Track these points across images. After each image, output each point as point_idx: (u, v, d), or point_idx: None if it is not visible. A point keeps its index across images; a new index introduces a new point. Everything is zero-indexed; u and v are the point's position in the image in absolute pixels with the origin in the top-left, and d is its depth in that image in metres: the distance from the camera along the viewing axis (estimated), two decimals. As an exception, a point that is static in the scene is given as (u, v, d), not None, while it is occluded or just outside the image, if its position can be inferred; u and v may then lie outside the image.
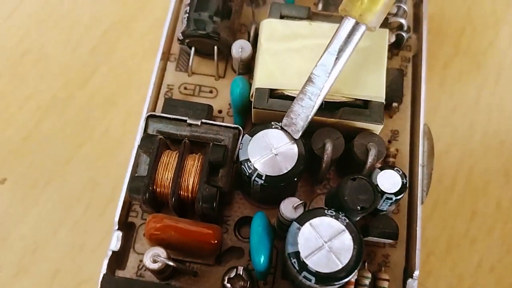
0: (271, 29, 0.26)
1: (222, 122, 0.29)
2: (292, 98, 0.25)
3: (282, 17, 0.27)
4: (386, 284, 0.24)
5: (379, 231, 0.24)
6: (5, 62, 0.32)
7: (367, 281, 0.24)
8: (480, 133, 0.31)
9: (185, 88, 0.30)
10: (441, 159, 0.30)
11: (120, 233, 0.25)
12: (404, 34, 0.29)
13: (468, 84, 0.32)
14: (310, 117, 0.23)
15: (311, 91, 0.24)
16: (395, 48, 0.30)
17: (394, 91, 0.28)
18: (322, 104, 0.25)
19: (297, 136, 0.23)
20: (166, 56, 0.30)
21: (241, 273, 0.24)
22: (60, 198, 0.29)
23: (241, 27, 0.31)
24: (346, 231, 0.21)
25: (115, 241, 0.25)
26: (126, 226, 0.26)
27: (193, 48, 0.29)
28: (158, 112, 0.28)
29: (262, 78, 0.25)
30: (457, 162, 0.30)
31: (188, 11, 0.28)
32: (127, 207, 0.26)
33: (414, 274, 0.24)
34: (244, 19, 0.31)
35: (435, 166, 0.27)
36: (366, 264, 0.25)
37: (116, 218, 0.25)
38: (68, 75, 0.32)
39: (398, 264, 0.26)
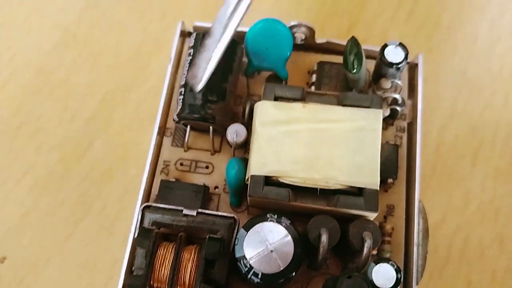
0: (266, 112, 0.27)
1: (218, 199, 0.29)
2: (287, 186, 0.25)
3: (276, 98, 0.27)
4: None
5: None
6: (1, 135, 0.33)
7: None
8: (475, 201, 0.31)
9: (181, 164, 0.30)
10: (436, 229, 0.30)
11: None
12: (398, 108, 0.29)
13: (463, 150, 0.32)
14: (209, 70, 0.25)
15: (209, 43, 0.25)
16: (390, 118, 0.30)
17: (389, 168, 0.28)
18: (317, 191, 0.25)
19: (198, 87, 0.25)
20: (162, 131, 0.30)
21: None
22: (59, 277, 0.29)
23: (236, 99, 0.31)
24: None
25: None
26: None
27: (188, 126, 0.29)
28: (154, 194, 0.28)
29: (257, 166, 0.25)
30: (452, 232, 0.30)
31: (183, 93, 0.28)
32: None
33: None
34: (239, 90, 0.31)
35: (431, 236, 0.28)
36: None
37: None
38: (65, 148, 0.32)
39: None
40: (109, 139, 0.32)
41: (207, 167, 0.30)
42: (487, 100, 0.33)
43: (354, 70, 0.27)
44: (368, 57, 0.31)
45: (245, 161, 0.28)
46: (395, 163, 0.28)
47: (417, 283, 0.26)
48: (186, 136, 0.29)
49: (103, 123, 0.33)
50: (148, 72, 0.34)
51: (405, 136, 0.31)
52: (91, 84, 0.34)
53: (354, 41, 0.28)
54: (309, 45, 0.32)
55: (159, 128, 0.30)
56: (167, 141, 0.30)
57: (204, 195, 0.27)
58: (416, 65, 0.31)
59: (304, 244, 0.24)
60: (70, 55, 0.35)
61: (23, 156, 0.32)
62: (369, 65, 0.31)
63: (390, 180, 0.28)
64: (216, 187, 0.29)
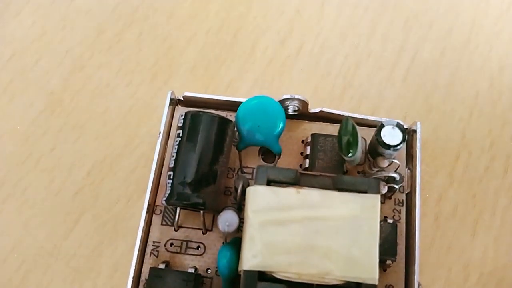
0: (258, 198, 0.25)
1: (211, 283, 0.28)
2: (282, 281, 0.24)
3: (269, 182, 0.26)
4: None
5: None
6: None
7: None
8: (476, 273, 0.30)
9: (171, 245, 0.29)
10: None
11: None
12: (396, 186, 0.28)
13: (463, 219, 0.31)
14: None
15: None
16: (387, 192, 0.29)
17: (387, 249, 0.27)
18: (313, 286, 0.24)
19: None
20: (151, 209, 0.29)
21: None
22: None
23: (229, 172, 0.30)
24: None
25: None
26: None
27: (178, 208, 0.28)
28: (143, 281, 0.27)
29: (250, 259, 0.24)
30: (453, 309, 0.29)
31: (171, 177, 0.27)
32: None
33: None
34: (231, 163, 0.30)
35: None
36: None
37: None
38: (52, 224, 0.31)
39: None
40: (97, 214, 0.31)
41: (198, 248, 0.29)
42: (487, 164, 0.32)
43: (350, 154, 0.26)
44: (363, 125, 0.31)
45: (237, 244, 0.27)
46: (394, 243, 0.27)
47: None
48: (176, 216, 0.28)
49: (90, 196, 0.32)
50: (138, 140, 0.33)
51: (403, 209, 0.30)
52: (78, 153, 0.33)
53: (348, 124, 0.27)
54: (302, 115, 0.31)
55: (148, 205, 0.29)
56: (156, 219, 0.29)
57: (195, 284, 0.26)
58: (414, 131, 0.31)
59: None
60: (56, 122, 0.34)
61: (9, 232, 0.31)
62: (365, 133, 0.31)
63: (389, 261, 0.27)
64: (208, 269, 0.28)
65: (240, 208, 0.29)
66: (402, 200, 0.30)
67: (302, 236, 0.25)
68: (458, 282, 0.30)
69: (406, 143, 0.31)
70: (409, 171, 0.30)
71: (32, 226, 0.31)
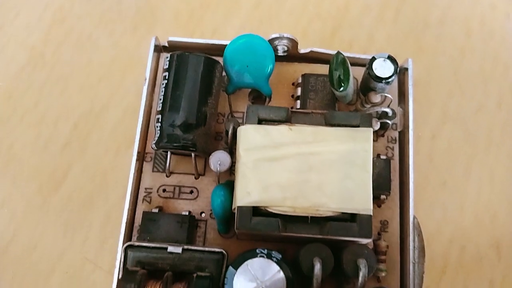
0: (249, 137, 0.25)
1: (206, 226, 0.28)
2: (276, 215, 0.24)
3: (260, 121, 0.26)
4: None
5: None
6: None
7: None
8: (471, 208, 0.30)
9: (164, 191, 0.28)
10: (433, 239, 0.29)
11: None
12: (389, 121, 0.28)
13: (457, 156, 0.31)
14: None
15: None
16: (380, 129, 0.29)
17: (381, 184, 0.27)
18: (308, 218, 0.24)
19: None
20: (141, 156, 0.29)
21: None
22: (44, 317, 0.28)
23: (219, 117, 0.30)
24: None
25: None
26: None
27: (169, 152, 0.27)
28: (137, 226, 0.27)
29: (243, 196, 0.24)
30: (448, 241, 0.30)
31: (160, 120, 0.26)
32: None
33: None
34: (220, 107, 0.29)
35: (427, 248, 0.27)
36: None
37: None
38: (41, 178, 0.30)
39: None
40: (86, 166, 0.31)
41: (191, 192, 0.28)
42: (480, 102, 0.32)
43: (341, 88, 0.26)
44: (354, 64, 0.30)
45: (230, 186, 0.26)
46: (388, 178, 0.27)
47: (415, 305, 0.25)
48: (167, 162, 0.28)
49: (78, 149, 0.31)
50: (123, 90, 0.32)
51: (396, 146, 0.30)
52: (63, 107, 0.32)
53: (339, 57, 0.26)
54: (292, 56, 0.30)
55: (138, 153, 0.28)
56: (147, 166, 0.29)
57: (189, 225, 0.26)
58: (406, 69, 0.30)
59: (297, 273, 0.23)
60: (39, 76, 0.32)
61: (-2, 189, 0.30)
62: (356, 72, 0.30)
63: (383, 196, 0.27)
64: (202, 213, 0.28)
65: (231, 152, 0.29)
66: (395, 137, 0.30)
67: (295, 172, 0.24)
68: (454, 218, 0.30)
69: (398, 82, 0.31)
70: (401, 109, 0.30)
71: (21, 181, 0.30)
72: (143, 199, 0.28)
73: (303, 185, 0.24)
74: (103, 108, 0.32)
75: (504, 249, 0.29)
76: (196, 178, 0.28)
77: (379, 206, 0.28)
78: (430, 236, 0.29)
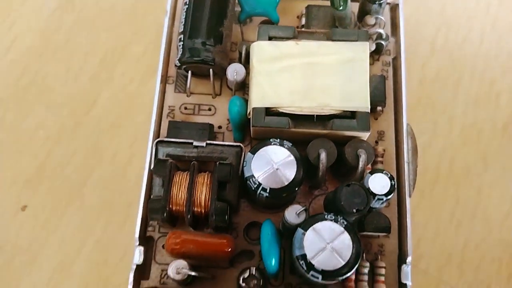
0: (261, 51, 0.29)
1: (223, 137, 0.32)
2: (286, 115, 0.28)
3: (270, 38, 0.29)
4: (383, 271, 0.28)
5: (373, 226, 0.27)
6: (10, 96, 0.34)
7: (366, 270, 0.27)
8: (458, 125, 0.34)
9: (186, 108, 0.32)
10: (424, 153, 0.33)
11: (141, 248, 0.27)
12: (383, 42, 0.31)
13: (445, 81, 0.35)
14: None
15: None
16: (375, 54, 0.33)
17: (377, 96, 0.30)
18: (313, 117, 0.28)
19: None
20: (164, 79, 0.32)
21: (254, 273, 0.27)
22: (79, 219, 0.31)
23: (232, 46, 0.33)
24: (345, 232, 0.24)
25: (137, 255, 0.27)
26: (145, 240, 0.29)
27: (189, 72, 0.31)
28: (163, 135, 0.30)
29: (258, 99, 0.28)
30: (439, 154, 0.33)
31: (182, 39, 0.30)
32: (144, 224, 0.29)
33: (407, 260, 0.27)
34: (233, 38, 0.33)
35: (420, 159, 0.30)
36: (364, 254, 0.28)
37: (137, 235, 0.28)
38: (72, 104, 0.34)
39: (393, 252, 0.29)
40: (113, 93, 0.34)
41: (209, 109, 0.32)
42: (465, 35, 0.36)
43: (341, 7, 0.29)
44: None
45: (245, 100, 0.30)
46: (383, 91, 0.31)
47: (409, 196, 0.29)
48: (188, 82, 0.31)
49: (106, 79, 0.35)
50: (145, 28, 0.36)
51: (390, 69, 0.33)
52: (91, 44, 0.35)
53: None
54: (297, -10, 0.34)
55: (162, 76, 0.32)
56: (170, 88, 0.32)
57: (210, 132, 0.29)
58: (397, 5, 0.34)
59: (305, 167, 0.27)
60: (68, 18, 0.36)
61: (34, 114, 0.34)
62: (354, 8, 0.34)
63: (379, 108, 0.31)
64: (219, 127, 0.32)
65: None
66: (389, 62, 0.33)
67: (302, 78, 0.28)
68: (443, 134, 0.34)
69: (391, 17, 0.34)
70: (393, 39, 0.33)
71: (55, 108, 0.34)
72: (167, 115, 0.32)
73: (309, 89, 0.28)
74: (127, 44, 0.36)
75: (490, 161, 0.33)
76: (213, 98, 0.32)
77: (376, 119, 0.32)
78: (422, 149, 0.33)
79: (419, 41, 0.36)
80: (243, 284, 0.27)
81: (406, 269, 0.27)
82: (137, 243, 0.28)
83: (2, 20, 0.36)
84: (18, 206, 0.31)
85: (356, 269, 0.27)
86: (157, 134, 0.31)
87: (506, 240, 0.31)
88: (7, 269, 0.30)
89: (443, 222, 0.32)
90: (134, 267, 0.27)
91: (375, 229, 0.27)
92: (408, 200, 0.29)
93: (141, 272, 0.28)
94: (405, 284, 0.27)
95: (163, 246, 0.28)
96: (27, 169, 0.32)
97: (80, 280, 0.30)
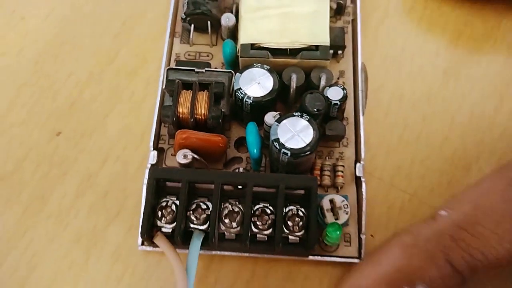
0: (248, 4, 0.38)
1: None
2: (266, 49, 0.36)
3: (254, -4, 0.39)
4: (341, 168, 0.36)
5: (332, 132, 0.35)
6: (48, 52, 0.43)
7: (328, 168, 0.35)
8: (406, 71, 0.42)
9: (189, 55, 0.41)
10: (378, 92, 0.41)
11: (155, 152, 0.35)
12: (341, 1, 0.41)
13: (396, 39, 0.43)
14: None
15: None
16: (337, 14, 0.42)
17: (338, 43, 0.39)
18: (287, 50, 0.36)
19: None
20: (172, 34, 0.41)
21: (241, 170, 0.35)
22: (104, 141, 0.39)
23: (225, 10, 0.42)
24: (308, 124, 0.32)
25: (152, 158, 0.35)
26: (157, 150, 0.37)
27: (192, 25, 0.40)
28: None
29: (245, 37, 0.37)
30: (390, 93, 0.41)
31: (187, -3, 0.39)
32: (157, 138, 0.37)
33: (361, 160, 0.35)
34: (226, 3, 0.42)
35: (374, 98, 0.39)
36: (327, 158, 0.36)
37: (151, 144, 0.36)
38: (98, 57, 0.42)
39: (350, 158, 0.37)
40: (131, 49, 0.43)
41: (208, 55, 0.41)
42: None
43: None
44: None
45: (235, 44, 0.39)
46: (342, 39, 0.39)
47: (363, 113, 0.37)
48: (191, 33, 0.40)
49: (125, 39, 0.43)
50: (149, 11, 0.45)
51: (349, 27, 0.42)
52: (113, 12, 0.44)
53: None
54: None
55: (170, 32, 0.41)
56: (176, 40, 0.41)
57: (208, 67, 0.38)
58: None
59: (280, 86, 0.35)
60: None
61: (67, 65, 0.42)
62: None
63: (340, 52, 0.39)
64: (216, 68, 0.40)
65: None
66: (349, 21, 0.42)
67: (278, 23, 0.37)
68: (394, 78, 0.42)
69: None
70: (352, 5, 0.43)
71: (84, 60, 0.42)
72: (175, 60, 0.40)
73: (284, 29, 0.37)
74: (142, 12, 0.44)
75: (432, 97, 0.41)
76: (210, 47, 0.41)
77: (338, 62, 0.40)
78: (376, 89, 0.41)
79: (375, 6, 0.45)
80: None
81: (359, 166, 0.35)
82: (152, 149, 0.36)
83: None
84: (54, 133, 0.39)
85: (320, 167, 0.35)
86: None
87: (445, 156, 0.39)
88: (44, 180, 0.38)
89: (394, 143, 0.40)
90: (149, 165, 0.35)
91: (334, 131, 0.35)
92: (362, 117, 0.37)
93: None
94: (360, 177, 0.35)
95: (171, 155, 0.36)
96: (62, 106, 0.40)
97: (102, 188, 0.37)
